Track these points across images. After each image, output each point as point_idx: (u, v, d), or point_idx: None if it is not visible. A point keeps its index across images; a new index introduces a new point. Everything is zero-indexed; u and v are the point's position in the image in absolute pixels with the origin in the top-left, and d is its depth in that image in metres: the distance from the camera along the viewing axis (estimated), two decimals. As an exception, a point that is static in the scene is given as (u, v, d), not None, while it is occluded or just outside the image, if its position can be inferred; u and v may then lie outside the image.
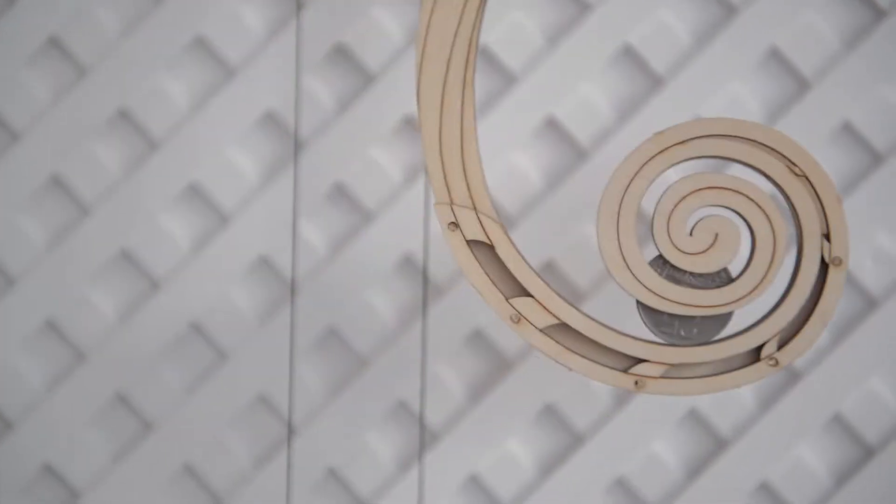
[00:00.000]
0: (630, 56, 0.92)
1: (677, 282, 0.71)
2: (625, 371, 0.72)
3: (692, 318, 0.71)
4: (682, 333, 0.71)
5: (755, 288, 0.70)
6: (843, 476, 0.93)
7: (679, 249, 0.70)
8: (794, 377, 0.92)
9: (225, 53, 0.94)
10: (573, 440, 0.94)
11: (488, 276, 0.72)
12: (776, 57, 0.91)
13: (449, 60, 0.71)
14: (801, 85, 0.91)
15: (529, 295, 0.72)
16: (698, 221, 0.70)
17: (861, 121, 0.91)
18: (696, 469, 0.94)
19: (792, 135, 0.89)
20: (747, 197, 0.70)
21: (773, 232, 0.70)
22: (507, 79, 0.93)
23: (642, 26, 0.92)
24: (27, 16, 0.94)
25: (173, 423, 0.95)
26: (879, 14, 0.91)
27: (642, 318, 0.72)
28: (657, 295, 0.71)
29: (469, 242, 0.72)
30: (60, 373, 0.96)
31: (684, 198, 0.70)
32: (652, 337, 0.72)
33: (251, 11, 0.94)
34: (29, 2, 0.94)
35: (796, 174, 0.70)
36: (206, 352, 0.95)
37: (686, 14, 0.92)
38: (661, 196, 0.70)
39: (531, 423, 0.94)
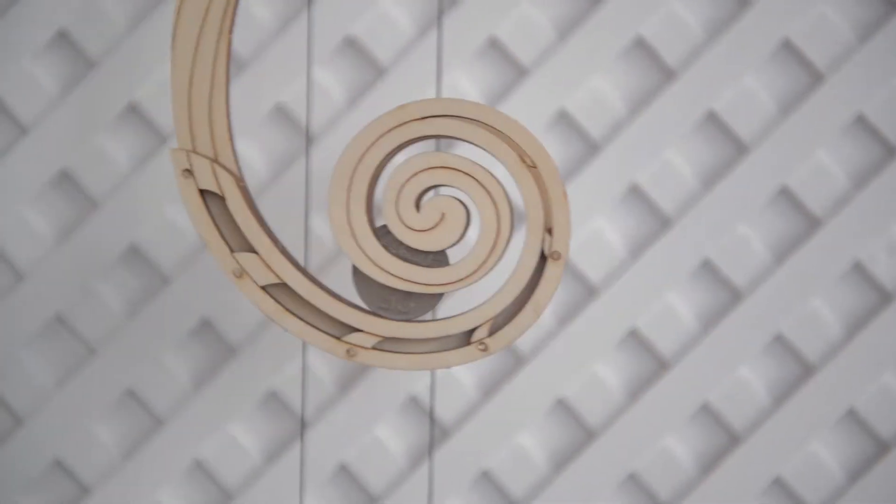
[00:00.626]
0: (642, 49, 0.92)
1: (395, 254, 0.72)
2: (339, 339, 0.72)
3: (410, 293, 0.72)
4: (399, 308, 0.73)
5: (475, 271, 0.71)
6: (857, 472, 0.92)
7: (404, 224, 0.71)
8: (807, 372, 0.92)
9: (235, 47, 0.93)
10: (585, 435, 0.94)
11: (217, 227, 0.72)
12: (789, 49, 0.91)
13: (208, 8, 0.71)
14: (814, 77, 0.91)
15: (254, 251, 0.71)
16: (427, 199, 0.71)
17: (874, 113, 0.90)
18: (708, 465, 0.93)
19: (805, 127, 0.90)
20: (477, 181, 0.71)
21: (498, 218, 0.71)
22: (518, 72, 0.92)
23: (654, 19, 0.91)
24: (35, 9, 0.94)
25: (183, 418, 0.95)
26: (892, 6, 0.90)
27: (357, 289, 0.72)
28: (378, 266, 0.72)
29: (202, 192, 0.72)
30: (70, 368, 0.96)
31: (417, 174, 0.71)
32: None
33: (261, 4, 0.93)
34: (37, -5, 0.94)
35: (527, 165, 0.70)
36: (217, 346, 0.95)
37: (698, 6, 0.92)
38: (395, 169, 0.70)
39: (543, 419, 0.94)
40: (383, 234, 0.72)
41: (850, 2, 0.91)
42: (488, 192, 0.71)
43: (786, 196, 0.91)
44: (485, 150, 0.70)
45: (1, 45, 0.94)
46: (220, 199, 0.73)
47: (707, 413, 0.93)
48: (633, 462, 0.93)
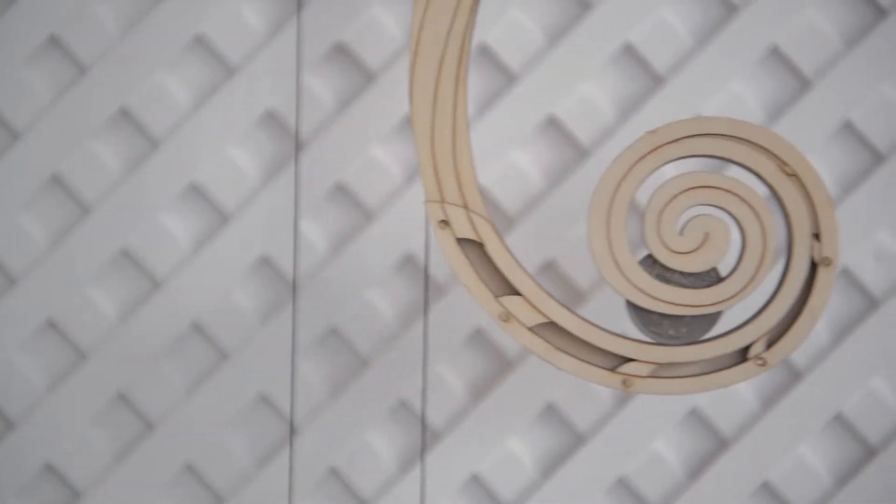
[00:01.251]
0: (630, 55, 0.92)
1: (667, 281, 0.71)
2: (612, 370, 0.72)
3: (681, 317, 0.71)
4: (672, 333, 0.72)
5: (744, 287, 0.70)
6: (845, 476, 0.93)
7: (669, 248, 0.70)
8: (795, 377, 0.92)
9: (225, 52, 0.94)
10: (574, 440, 0.94)
11: (478, 274, 0.72)
12: (777, 56, 0.91)
13: (442, 58, 0.71)
14: (802, 83, 0.91)
15: (519, 293, 0.72)
16: (689, 220, 0.70)
17: (862, 119, 0.91)
18: (697, 469, 0.94)
19: (792, 133, 0.90)
20: (738, 196, 0.70)
21: (763, 231, 0.70)
22: (507, 77, 0.93)
23: (643, 25, 0.91)
24: (27, 15, 0.94)
25: (175, 423, 0.95)
26: (880, 13, 0.91)
27: (631, 318, 0.72)
28: (647, 294, 0.71)
29: (459, 240, 0.72)
30: (61, 372, 0.96)
31: (675, 196, 0.70)
32: (640, 336, 0.72)
33: (251, 10, 0.94)
34: (29, 1, 0.94)
35: (788, 174, 0.70)
36: (208, 351, 0.95)
37: (686, 13, 0.92)
38: (652, 194, 0.70)
39: (532, 423, 0.94)
40: (651, 265, 0.71)
41: (838, 8, 0.91)
42: (750, 206, 0.70)
43: (772, 204, 0.92)
44: (742, 165, 0.70)
45: (-7, 50, 0.94)
46: (478, 245, 0.72)
47: (696, 417, 0.94)
48: (622, 466, 0.94)
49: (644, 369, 0.72)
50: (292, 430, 0.95)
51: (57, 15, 0.94)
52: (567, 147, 0.93)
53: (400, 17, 0.93)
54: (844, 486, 0.92)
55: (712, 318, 0.71)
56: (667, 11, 0.92)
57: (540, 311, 0.72)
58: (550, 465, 0.95)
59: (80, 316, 0.95)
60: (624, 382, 0.72)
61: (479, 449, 0.94)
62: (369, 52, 0.93)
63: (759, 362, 0.71)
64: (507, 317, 0.72)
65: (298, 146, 0.93)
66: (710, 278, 0.71)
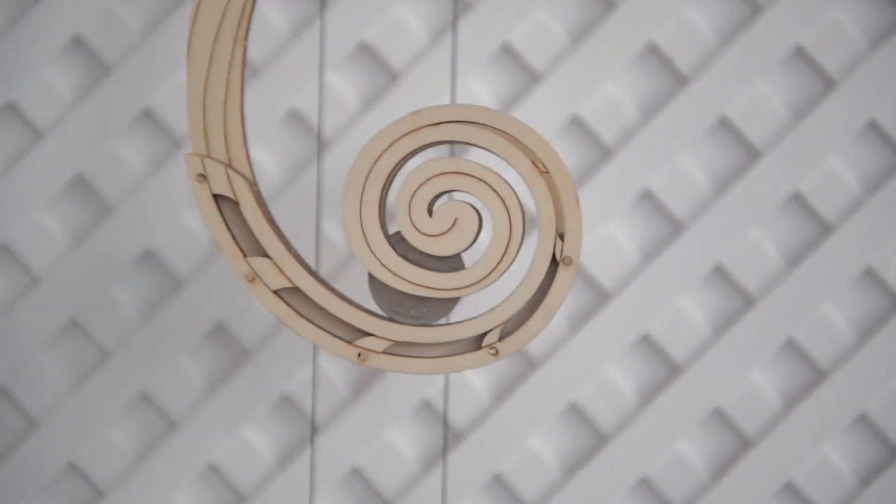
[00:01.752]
0: (654, 54, 0.92)
1: (409, 260, 0.72)
2: (350, 343, 0.73)
3: (424, 298, 0.72)
4: (413, 313, 0.73)
5: (487, 276, 0.71)
6: (869, 476, 0.93)
7: (418, 229, 0.71)
8: (819, 377, 0.92)
9: (250, 53, 0.94)
10: (597, 439, 0.94)
11: (230, 231, 0.73)
12: (801, 55, 0.91)
13: (223, 15, 0.71)
14: (827, 83, 0.91)
15: (267, 256, 0.72)
16: (441, 204, 0.71)
17: (886, 119, 0.91)
18: (720, 469, 0.94)
19: (817, 133, 0.90)
20: (490, 186, 0.71)
21: (510, 223, 0.71)
22: (531, 77, 0.93)
23: (667, 24, 0.91)
24: (51, 15, 0.94)
25: (197, 422, 0.95)
26: (905, 12, 0.91)
27: (373, 294, 0.72)
28: (391, 272, 0.72)
29: (216, 197, 0.72)
30: (84, 371, 0.96)
31: (430, 179, 0.71)
32: (382, 312, 0.73)
33: (275, 10, 0.94)
34: (53, 1, 0.94)
35: (540, 171, 0.71)
36: (230, 350, 0.95)
37: (711, 12, 0.92)
38: (408, 174, 0.70)
39: (555, 423, 0.94)
40: (397, 241, 0.72)
41: (863, 9, 0.91)
42: (500, 198, 0.71)
43: (798, 201, 0.92)
44: (498, 155, 0.71)
45: (17, 50, 0.94)
46: (235, 203, 0.73)
47: (719, 417, 0.94)
48: (645, 466, 0.93)
49: (380, 345, 0.73)
50: (314, 430, 0.95)
51: (80, 15, 0.94)
52: (590, 146, 0.93)
53: (423, 16, 0.93)
54: (868, 487, 0.92)
55: (451, 304, 0.73)
56: (691, 11, 0.91)
57: (285, 275, 0.73)
58: (573, 465, 0.95)
59: (102, 315, 0.96)
60: (359, 356, 0.73)
61: (501, 448, 0.94)
62: (392, 51, 0.93)
63: (492, 351, 0.72)
64: (252, 277, 0.73)
65: (321, 145, 0.93)
66: (453, 264, 0.71)
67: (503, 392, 0.94)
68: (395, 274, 0.72)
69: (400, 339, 0.73)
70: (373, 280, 0.73)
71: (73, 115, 0.95)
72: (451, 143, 0.71)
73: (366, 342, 0.73)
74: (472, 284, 0.72)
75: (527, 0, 0.91)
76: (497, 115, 0.71)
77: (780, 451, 0.92)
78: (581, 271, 0.93)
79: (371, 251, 0.72)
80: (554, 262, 0.72)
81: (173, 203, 0.95)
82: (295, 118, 0.94)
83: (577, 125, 0.93)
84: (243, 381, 0.95)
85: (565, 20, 0.93)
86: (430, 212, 0.71)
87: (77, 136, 0.95)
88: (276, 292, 0.73)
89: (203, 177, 0.73)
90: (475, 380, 0.94)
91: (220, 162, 0.72)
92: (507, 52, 0.92)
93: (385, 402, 0.94)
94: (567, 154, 0.92)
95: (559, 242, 0.71)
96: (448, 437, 0.94)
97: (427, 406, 0.95)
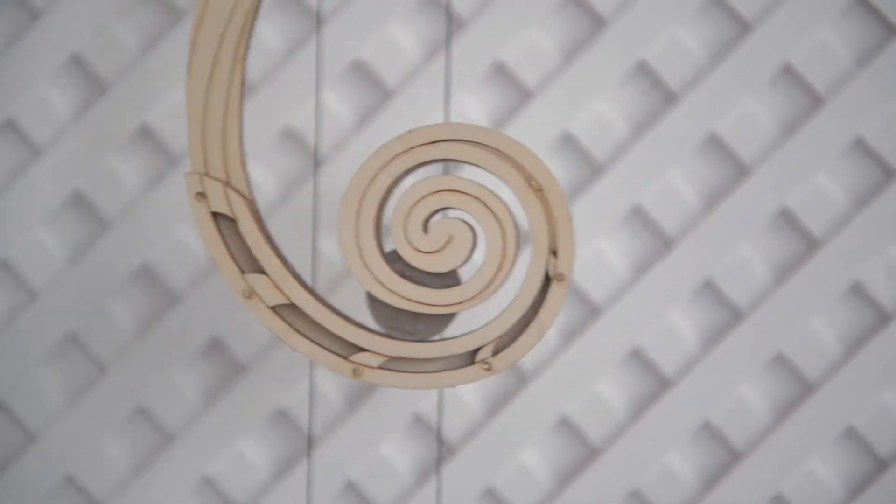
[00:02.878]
0: (644, 72, 0.93)
1: (406, 277, 0.73)
2: (346, 358, 0.74)
3: (419, 314, 0.73)
4: (408, 328, 0.74)
5: (481, 292, 0.72)
6: (856, 489, 0.93)
7: (413, 246, 0.72)
8: (807, 390, 0.93)
9: (245, 70, 0.94)
10: (588, 452, 0.95)
11: (228, 248, 0.74)
12: (789, 73, 0.92)
13: (223, 34, 0.72)
14: (815, 101, 0.92)
15: (264, 272, 0.73)
16: (436, 222, 0.72)
17: (873, 136, 0.92)
18: (710, 481, 0.94)
19: (805, 150, 0.91)
20: (483, 203, 0.72)
21: (504, 240, 0.72)
22: (523, 95, 0.94)
23: (656, 43, 0.92)
24: (49, 34, 0.95)
25: (193, 436, 0.96)
26: (891, 31, 0.91)
27: (370, 310, 0.74)
28: (387, 288, 0.73)
29: (214, 214, 0.73)
30: (81, 385, 0.97)
31: (424, 197, 0.72)
32: (377, 328, 0.74)
33: (271, 28, 0.95)
34: (51, 20, 0.95)
35: (534, 188, 0.71)
36: (226, 365, 0.96)
37: (700, 31, 0.93)
38: (404, 192, 0.72)
39: (547, 436, 0.95)
40: (394, 260, 0.73)
41: (850, 27, 0.92)
42: (494, 215, 0.72)
43: (786, 217, 0.93)
44: (492, 173, 0.72)
45: (16, 68, 0.95)
46: (232, 221, 0.74)
47: (708, 430, 0.94)
48: (636, 479, 0.94)
49: (375, 360, 0.74)
50: (310, 443, 0.95)
51: (78, 34, 0.95)
52: (581, 163, 0.94)
53: (418, 35, 0.94)
54: (856, 499, 0.93)
55: (446, 319, 0.74)
56: (680, 30, 0.93)
57: (282, 292, 0.74)
58: (564, 478, 0.95)
59: (100, 330, 0.96)
60: (355, 371, 0.74)
61: (494, 462, 0.95)
62: (388, 69, 0.94)
63: (486, 367, 0.73)
64: (249, 293, 0.74)
65: (317, 163, 0.94)
66: (449, 280, 0.72)
67: (496, 406, 0.95)
68: (391, 290, 0.73)
69: (395, 354, 0.74)
70: (370, 296, 0.73)
71: (71, 133, 0.95)
72: (446, 161, 0.72)
73: (361, 357, 0.74)
74: (467, 300, 0.73)
75: (519, 19, 0.92)
76: (490, 133, 0.72)
77: (769, 463, 0.93)
78: (572, 286, 0.94)
79: (367, 268, 0.73)
80: (547, 279, 0.72)
81: (170, 219, 0.95)
82: (291, 135, 0.95)
83: (569, 142, 0.94)
84: (239, 395, 0.96)
85: (557, 39, 0.94)
86: (425, 229, 0.72)
87: (75, 153, 0.96)
88: (272, 308, 0.74)
89: (202, 195, 0.73)
90: (468, 394, 0.95)
91: (218, 180, 0.73)
92: (500, 71, 0.93)
93: (379, 416, 0.95)
94: (558, 170, 0.93)
95: (552, 259, 0.72)
96: (442, 450, 0.95)
97: (421, 420, 0.95)
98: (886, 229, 0.92)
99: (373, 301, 0.74)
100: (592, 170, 0.94)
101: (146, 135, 0.96)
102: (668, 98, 0.93)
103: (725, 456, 0.94)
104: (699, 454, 0.95)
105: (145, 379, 0.96)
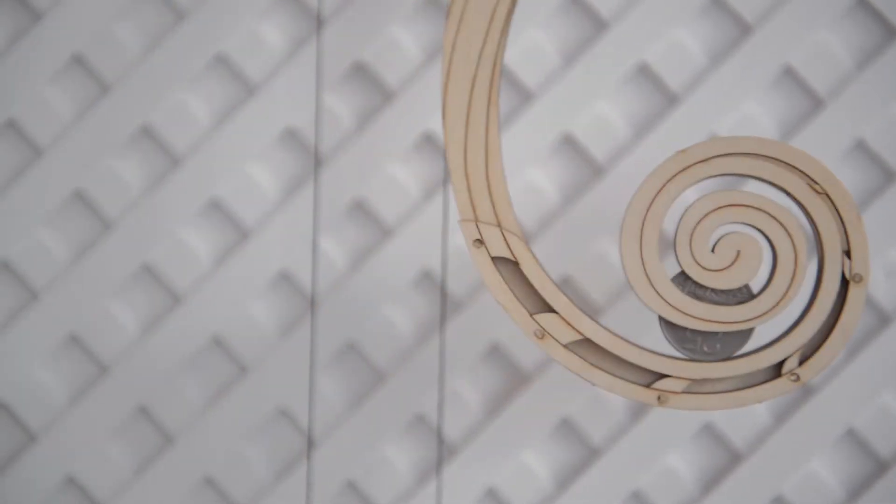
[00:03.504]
0: (645, 74, 0.93)
1: (699, 298, 0.72)
2: (647, 386, 0.73)
3: (715, 333, 0.72)
4: (705, 349, 0.72)
5: (777, 304, 0.71)
6: (857, 490, 0.94)
7: (701, 266, 0.71)
8: (807, 392, 0.93)
9: (246, 71, 0.95)
10: (589, 453, 0.95)
11: (513, 292, 0.73)
12: (790, 75, 0.92)
13: (474, 79, 0.72)
14: (815, 103, 0.92)
15: (553, 311, 0.72)
16: (721, 238, 0.71)
17: (874, 138, 0.92)
18: (710, 483, 0.94)
19: (807, 152, 0.91)
20: (769, 214, 0.71)
21: (795, 248, 0.71)
22: (523, 96, 0.94)
23: (658, 45, 0.93)
24: (51, 33, 0.95)
25: (194, 436, 0.96)
26: (892, 33, 0.92)
27: (665, 334, 0.72)
28: (680, 311, 0.72)
29: (494, 259, 0.72)
30: (83, 386, 0.97)
31: (707, 215, 0.71)
32: (674, 352, 0.73)
33: (272, 29, 0.95)
34: (52, 20, 0.95)
35: (817, 192, 0.71)
36: (227, 365, 0.96)
37: (701, 32, 0.93)
38: (684, 213, 0.71)
39: (548, 437, 0.95)
40: (682, 282, 0.72)
41: (851, 29, 0.92)
42: (781, 224, 0.71)
43: (794, 218, 0.93)
44: (772, 183, 0.71)
45: (17, 68, 0.95)
46: (512, 263, 0.73)
47: (709, 432, 0.94)
48: (637, 480, 0.94)
49: (678, 385, 0.73)
50: (310, 444, 0.96)
51: (80, 34, 0.95)
52: (583, 165, 0.94)
53: (419, 36, 0.94)
54: (856, 501, 0.93)
55: (745, 335, 0.72)
56: (681, 31, 0.93)
57: (574, 329, 0.73)
58: (565, 479, 0.95)
59: (101, 330, 0.96)
60: (659, 398, 0.73)
61: (495, 462, 0.95)
62: (388, 70, 0.94)
63: (793, 378, 0.72)
64: (542, 334, 0.73)
65: (318, 163, 0.94)
66: (743, 295, 0.72)
67: (496, 406, 0.95)
68: (684, 313, 0.72)
69: (698, 377, 0.72)
70: (663, 320, 0.73)
71: (73, 133, 0.96)
72: (723, 175, 0.71)
73: (664, 384, 0.73)
74: (765, 313, 0.71)
75: (520, 20, 0.92)
76: (764, 142, 0.71)
77: (769, 465, 0.93)
78: (576, 286, 0.94)
79: (658, 294, 0.72)
80: (844, 281, 0.72)
81: (171, 219, 0.95)
82: (291, 136, 0.95)
83: (570, 144, 0.94)
84: (240, 396, 0.96)
85: (558, 40, 0.94)
86: (712, 247, 0.71)
87: (76, 153, 0.96)
88: (566, 346, 0.73)
89: (480, 242, 0.73)
90: (468, 394, 0.95)
91: (493, 225, 0.73)
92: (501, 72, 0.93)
93: (380, 416, 0.95)
94: (558, 172, 0.93)
95: (846, 260, 0.71)
96: (443, 451, 0.95)
97: (422, 420, 0.95)
98: (887, 231, 0.92)
99: (667, 325, 0.72)
100: (593, 171, 0.94)
101: (148, 135, 0.96)
102: (670, 99, 0.93)
103: (726, 457, 0.94)
104: (700, 455, 0.95)
105: (147, 379, 0.96)
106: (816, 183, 0.71)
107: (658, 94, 0.93)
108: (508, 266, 0.73)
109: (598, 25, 0.93)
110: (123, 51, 0.95)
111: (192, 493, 0.97)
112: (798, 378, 0.72)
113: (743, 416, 0.94)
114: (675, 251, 0.71)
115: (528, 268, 0.73)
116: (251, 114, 0.94)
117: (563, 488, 0.95)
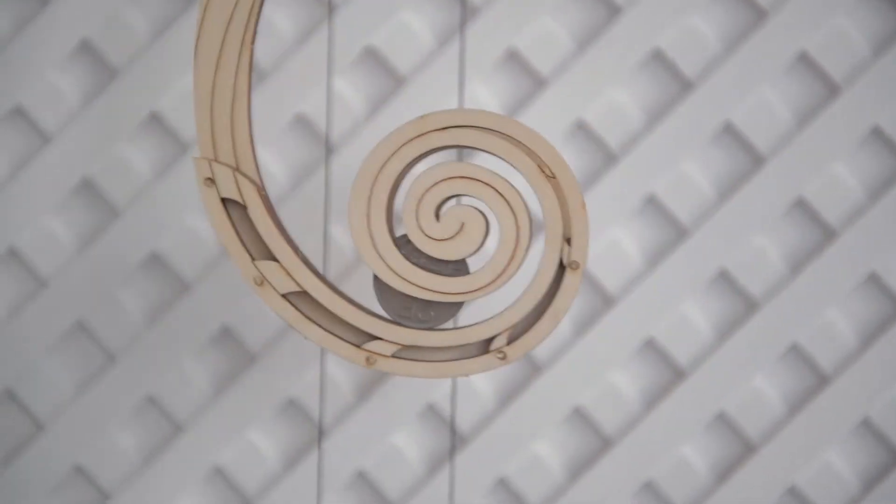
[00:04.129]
0: (659, 60, 0.93)
1: (414, 263, 0.72)
2: (359, 346, 0.73)
3: (431, 302, 0.73)
4: (420, 316, 0.73)
5: (493, 281, 0.72)
6: (871, 480, 0.93)
7: (424, 232, 0.72)
8: (822, 382, 0.93)
9: (256, 57, 0.94)
10: (602, 443, 0.95)
11: (238, 235, 0.73)
12: (805, 62, 0.92)
13: (230, 20, 0.72)
14: (831, 90, 0.92)
15: (275, 259, 0.72)
16: (448, 209, 0.71)
17: (890, 125, 0.91)
18: (724, 473, 0.94)
19: (821, 139, 0.90)
20: (497, 191, 0.71)
21: (517, 228, 0.71)
22: (537, 83, 0.93)
23: (671, 31, 0.92)
24: (59, 20, 0.94)
25: (203, 425, 0.96)
26: (909, 19, 0.91)
27: (379, 298, 0.73)
28: (399, 276, 0.72)
29: (224, 200, 0.73)
30: (91, 374, 0.97)
31: (437, 183, 0.71)
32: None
33: (282, 15, 0.94)
34: (60, 6, 0.94)
35: (547, 176, 0.71)
36: (237, 354, 0.96)
37: (715, 18, 0.92)
38: (416, 178, 0.71)
39: (560, 427, 0.95)
40: (404, 244, 0.72)
41: (866, 16, 0.91)
42: (507, 202, 0.71)
43: (802, 207, 0.92)
44: (504, 160, 0.71)
45: (24, 55, 0.95)
46: (242, 207, 0.73)
47: (722, 422, 0.94)
48: (649, 470, 0.94)
49: (388, 349, 0.73)
50: (321, 433, 0.95)
51: (88, 20, 0.94)
52: (595, 152, 0.93)
53: (430, 22, 0.93)
54: (871, 491, 0.93)
55: (457, 308, 0.73)
56: (696, 17, 0.92)
57: (293, 279, 0.73)
58: (577, 469, 0.95)
59: (109, 318, 0.96)
60: (368, 359, 0.73)
61: (506, 452, 0.94)
62: (400, 56, 0.93)
63: (500, 355, 0.73)
64: (261, 281, 0.73)
65: (329, 150, 0.93)
66: (458, 268, 0.72)
67: (509, 396, 0.95)
68: (401, 277, 0.72)
69: (408, 342, 0.73)
70: (379, 284, 0.73)
71: (81, 120, 0.95)
72: (459, 147, 0.72)
73: (374, 346, 0.73)
74: (480, 289, 0.72)
75: (533, 6, 0.92)
76: (504, 120, 0.71)
77: (783, 455, 0.93)
78: (586, 276, 0.93)
79: (378, 254, 0.72)
80: (561, 267, 0.72)
81: (180, 207, 0.95)
82: (302, 122, 0.94)
83: (583, 130, 0.93)
84: (249, 385, 0.95)
85: (571, 26, 0.93)
86: (437, 216, 0.72)
87: (84, 141, 0.95)
88: (284, 296, 0.74)
89: (211, 180, 0.73)
90: (481, 384, 0.95)
91: (227, 166, 0.73)
92: (514, 58, 0.93)
93: (391, 405, 0.95)
94: (572, 159, 0.93)
95: (566, 247, 0.71)
96: (454, 440, 0.95)
97: (433, 410, 0.95)
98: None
99: (383, 289, 0.73)
100: (606, 158, 0.93)
101: (156, 122, 0.95)
102: (684, 86, 0.92)
103: (739, 448, 0.94)
104: (713, 446, 0.94)
105: (155, 368, 0.96)
106: (547, 166, 0.71)
107: (672, 81, 0.93)
108: (239, 209, 0.73)
109: (612, 11, 0.92)
110: (131, 37, 0.95)
111: (202, 482, 0.97)
112: (505, 356, 0.73)
113: (756, 407, 0.93)
114: (403, 216, 0.72)
115: (255, 213, 0.73)
116: (262, 100, 0.94)
117: (575, 479, 0.94)
